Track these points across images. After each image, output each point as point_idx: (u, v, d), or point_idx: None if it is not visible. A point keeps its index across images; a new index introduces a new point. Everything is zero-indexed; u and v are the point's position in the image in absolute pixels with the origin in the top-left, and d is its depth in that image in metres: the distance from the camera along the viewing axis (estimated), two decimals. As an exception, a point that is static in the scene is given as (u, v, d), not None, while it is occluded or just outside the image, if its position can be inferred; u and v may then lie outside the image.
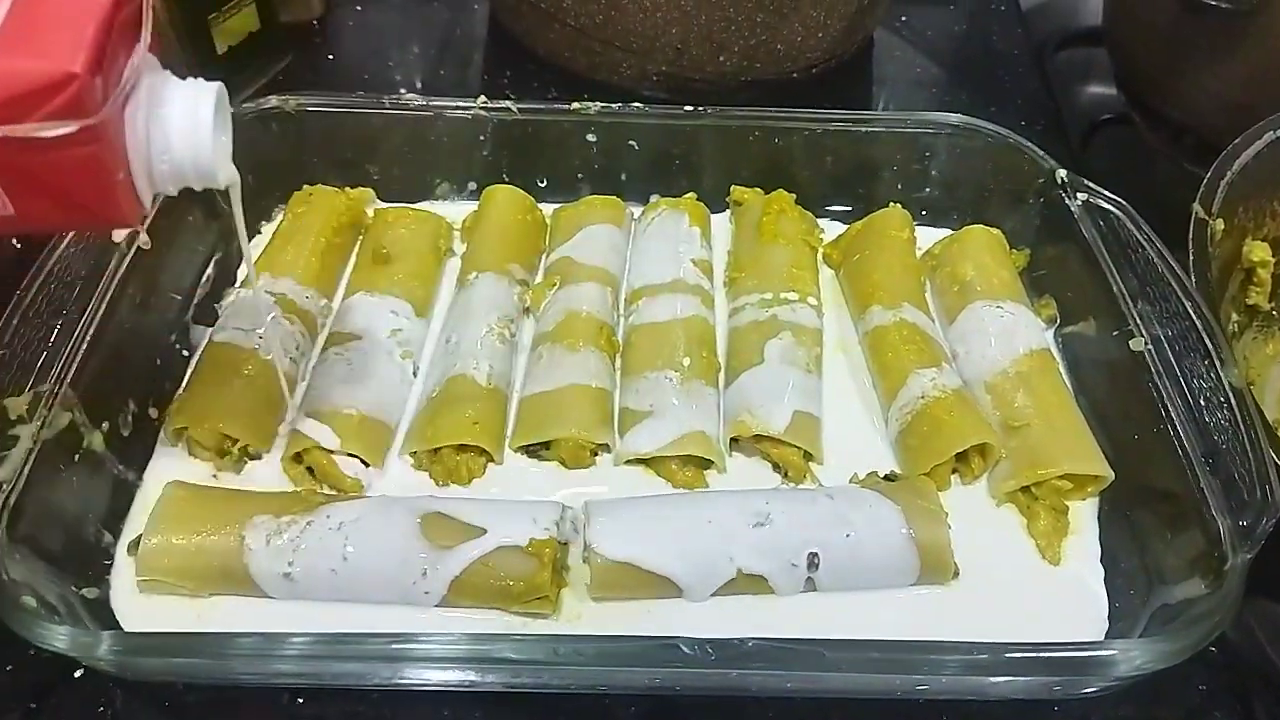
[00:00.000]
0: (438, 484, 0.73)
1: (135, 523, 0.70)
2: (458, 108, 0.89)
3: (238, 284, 0.83)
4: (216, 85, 0.52)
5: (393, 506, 0.68)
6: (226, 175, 0.54)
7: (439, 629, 0.60)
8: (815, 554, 0.67)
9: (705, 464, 0.75)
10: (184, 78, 0.52)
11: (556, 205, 0.92)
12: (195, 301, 0.84)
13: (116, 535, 0.70)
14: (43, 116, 0.44)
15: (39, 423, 0.64)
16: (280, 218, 0.89)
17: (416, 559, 0.65)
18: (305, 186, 0.89)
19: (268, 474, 0.73)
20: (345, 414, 0.73)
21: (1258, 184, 0.89)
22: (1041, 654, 0.58)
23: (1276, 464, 0.64)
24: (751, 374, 0.77)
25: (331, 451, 0.72)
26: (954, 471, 0.75)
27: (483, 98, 0.89)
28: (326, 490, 0.72)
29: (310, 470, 0.72)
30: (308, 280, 0.82)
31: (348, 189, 0.90)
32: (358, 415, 0.73)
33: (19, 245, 0.75)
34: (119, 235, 0.74)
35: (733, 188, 0.93)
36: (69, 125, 0.44)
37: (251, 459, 0.74)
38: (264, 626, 0.64)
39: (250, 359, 0.75)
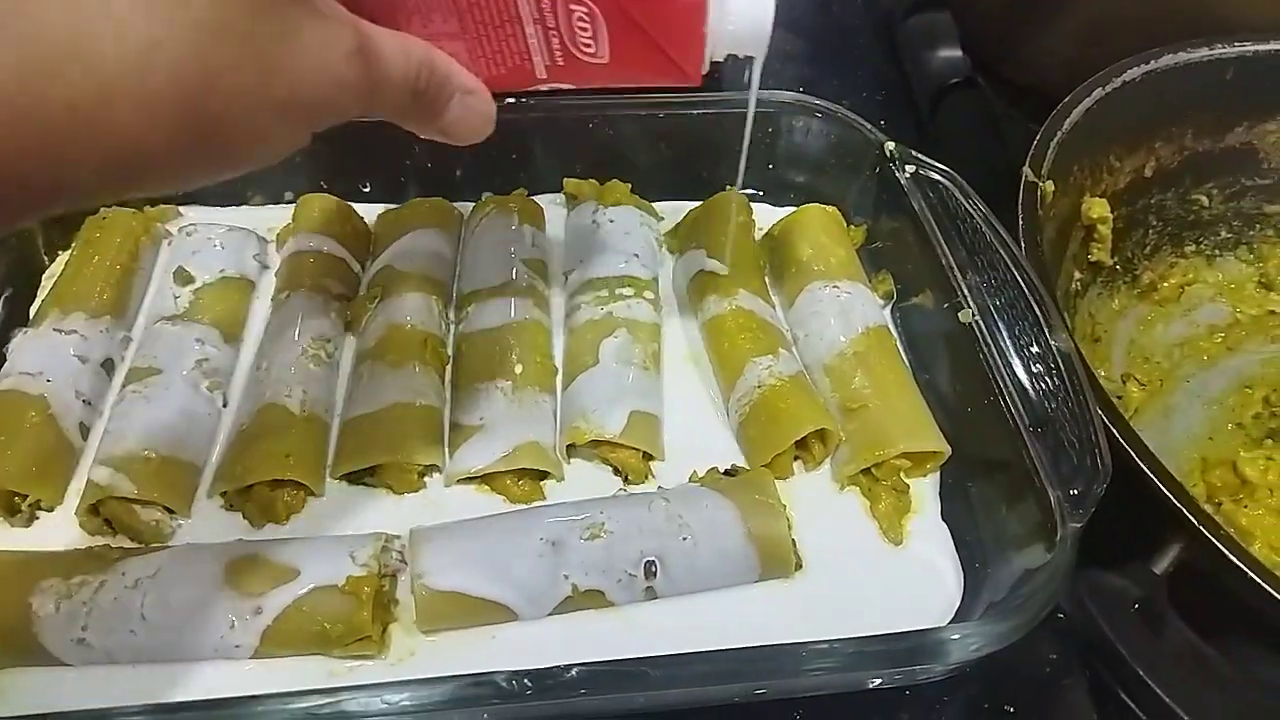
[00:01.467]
0: (253, 525, 0.68)
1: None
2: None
3: (28, 326, 0.76)
4: None
5: (196, 556, 0.63)
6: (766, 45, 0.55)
7: (249, 683, 0.56)
8: (653, 562, 0.64)
9: (543, 475, 0.71)
10: None
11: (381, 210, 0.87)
12: (-16, 346, 0.77)
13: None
14: None
15: None
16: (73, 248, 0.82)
17: (223, 610, 0.60)
18: (100, 210, 0.82)
19: (61, 528, 0.68)
20: (143, 457, 0.67)
21: (1091, 140, 0.90)
22: (872, 648, 0.56)
23: (1107, 429, 0.64)
24: (587, 376, 0.74)
25: (130, 500, 0.66)
26: (796, 459, 0.73)
27: (287, 100, 0.83)
28: (125, 544, 0.66)
29: (108, 522, 0.67)
30: (100, 312, 0.75)
31: (147, 207, 0.83)
32: (157, 458, 0.67)
33: None
34: None
35: (565, 180, 0.89)
36: None
37: (45, 511, 0.68)
38: (62, 698, 0.60)
39: (36, 406, 0.69)
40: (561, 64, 0.53)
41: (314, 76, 0.40)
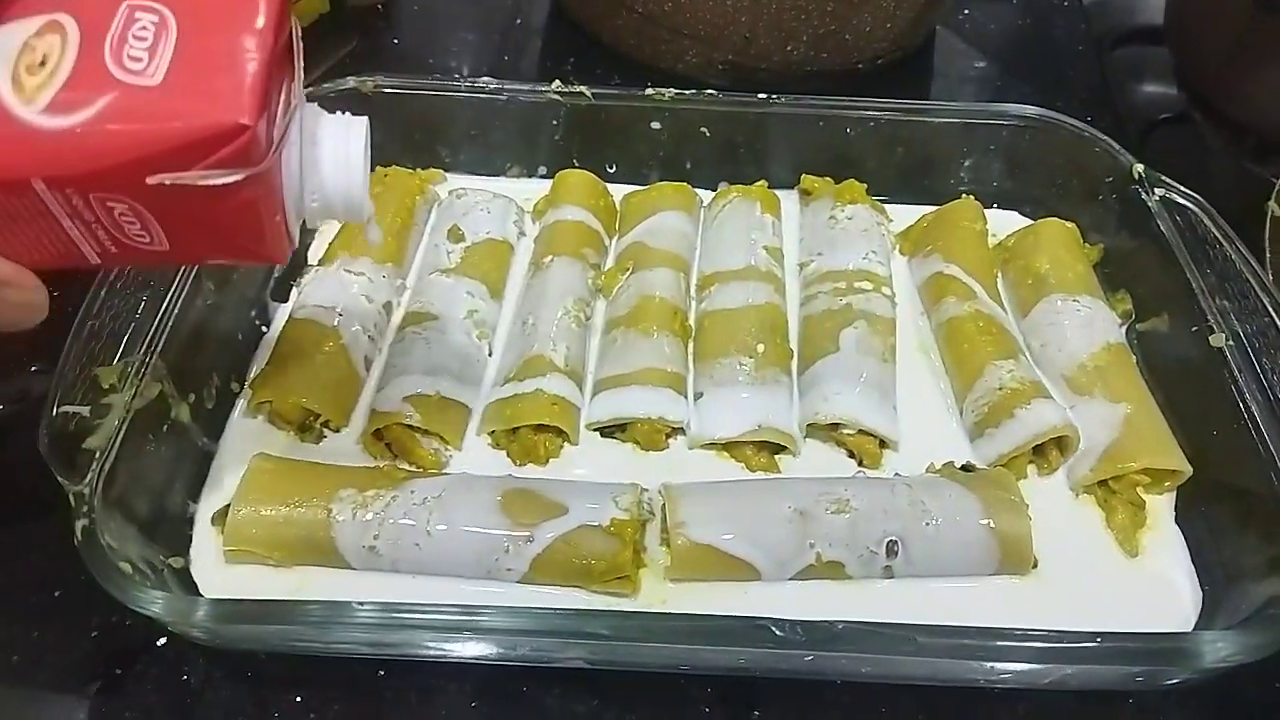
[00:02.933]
0: (515, 464, 0.74)
1: (215, 493, 0.71)
2: (532, 91, 0.89)
3: (316, 262, 0.84)
4: (364, 120, 0.52)
5: (475, 483, 0.69)
6: (369, 209, 0.54)
7: (524, 604, 0.61)
8: (895, 542, 0.67)
9: (778, 449, 0.75)
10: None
11: (626, 191, 0.92)
12: (274, 278, 0.85)
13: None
14: (208, 165, 0.43)
15: (131, 392, 0.65)
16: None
17: (499, 535, 0.66)
18: (378, 168, 0.90)
19: (344, 449, 0.74)
20: (425, 393, 0.73)
21: (1331, 182, 0.89)
22: (1126, 644, 0.58)
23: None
24: (826, 362, 0.77)
25: (413, 428, 0.72)
26: (1030, 463, 0.75)
27: (557, 82, 0.89)
28: (406, 466, 0.72)
29: (389, 447, 0.73)
30: (384, 259, 0.82)
31: (419, 170, 0.91)
32: (436, 395, 0.73)
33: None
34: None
35: (803, 176, 0.93)
36: (235, 174, 0.44)
37: (332, 431, 0.75)
38: (347, 597, 0.66)
39: (330, 336, 0.76)
40: (115, 251, 0.48)
41: None
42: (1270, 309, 0.72)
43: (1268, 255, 0.81)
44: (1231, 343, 0.73)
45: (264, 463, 0.70)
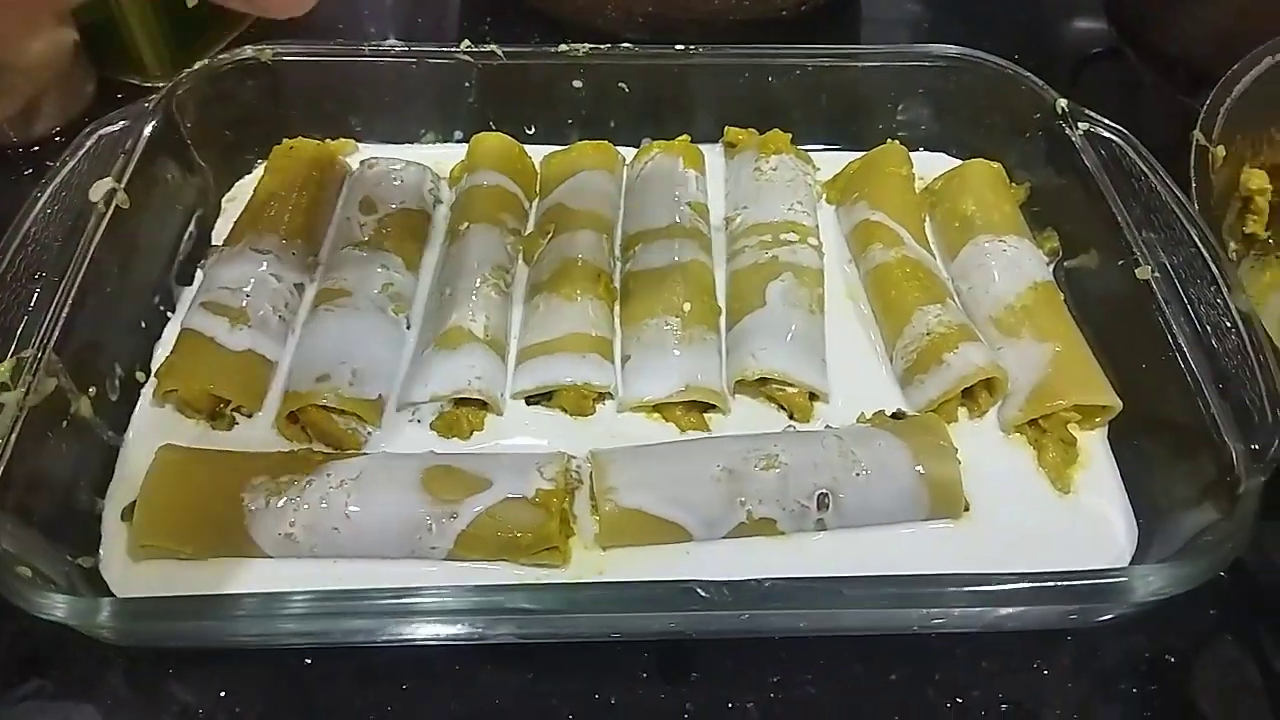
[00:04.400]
0: (438, 438, 0.72)
1: (123, 489, 0.68)
2: (441, 52, 0.86)
3: (221, 242, 0.81)
4: None
5: (394, 462, 0.67)
6: None
7: (443, 583, 0.59)
8: (826, 494, 0.66)
9: (709, 408, 0.74)
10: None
11: (547, 152, 0.89)
12: (178, 261, 0.81)
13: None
14: None
15: (24, 390, 0.62)
16: (260, 173, 0.86)
17: (422, 514, 0.64)
18: (285, 140, 0.86)
19: (258, 434, 0.72)
20: (339, 370, 0.71)
21: (1255, 111, 0.88)
22: (1059, 582, 0.57)
23: (1286, 387, 0.64)
24: (754, 317, 0.76)
25: (329, 409, 0.70)
26: (962, 407, 0.74)
27: (466, 42, 0.86)
28: (323, 449, 0.70)
29: (305, 430, 0.71)
30: (292, 236, 0.79)
31: (329, 140, 0.87)
32: (351, 372, 0.71)
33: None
34: (97, 193, 0.71)
35: (727, 129, 0.91)
36: None
37: (244, 417, 0.72)
38: (267, 587, 0.64)
39: (237, 318, 0.73)
40: None
41: None
42: (1196, 239, 0.72)
43: (1193, 185, 0.80)
44: (1158, 274, 0.72)
45: (170, 454, 0.67)
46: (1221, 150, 0.82)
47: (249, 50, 0.84)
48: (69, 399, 0.67)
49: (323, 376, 0.70)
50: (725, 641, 0.65)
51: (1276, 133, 0.93)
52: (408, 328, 0.77)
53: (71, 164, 0.73)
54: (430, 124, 0.91)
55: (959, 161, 0.89)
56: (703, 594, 0.55)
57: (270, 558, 0.65)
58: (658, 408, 0.73)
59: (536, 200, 0.87)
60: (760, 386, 0.74)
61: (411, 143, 0.91)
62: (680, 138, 0.89)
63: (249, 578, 0.64)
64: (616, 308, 0.79)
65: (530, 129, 0.91)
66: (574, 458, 0.69)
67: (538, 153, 0.90)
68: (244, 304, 0.74)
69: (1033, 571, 0.57)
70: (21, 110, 0.92)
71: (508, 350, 0.76)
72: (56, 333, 0.66)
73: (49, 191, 0.71)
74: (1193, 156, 0.82)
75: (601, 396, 0.74)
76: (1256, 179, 0.91)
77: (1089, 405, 0.71)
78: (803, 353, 0.73)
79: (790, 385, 0.73)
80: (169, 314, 0.79)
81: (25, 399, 0.62)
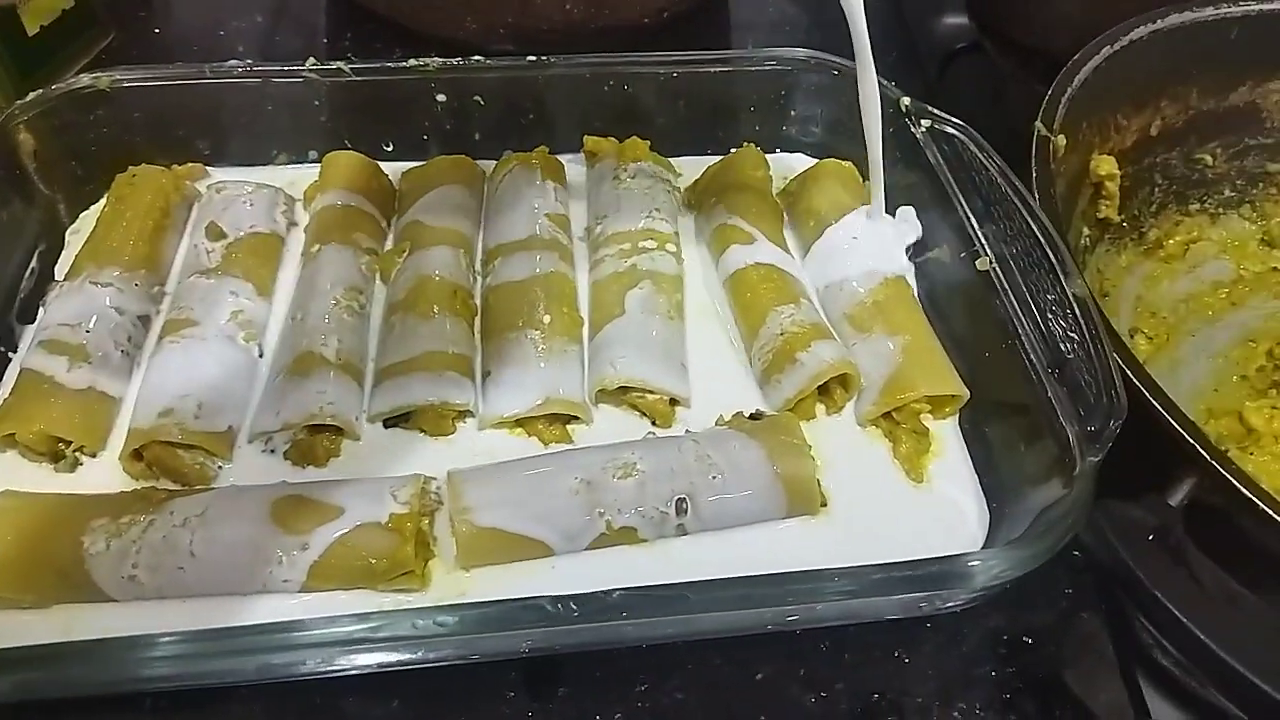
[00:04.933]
0: (293, 468, 0.70)
1: (-35, 539, 0.65)
2: (285, 72, 0.84)
3: (61, 277, 0.78)
4: None
5: (241, 495, 0.65)
6: None
7: (299, 616, 0.58)
8: (684, 499, 0.66)
9: (571, 419, 0.73)
10: None
11: (405, 168, 0.88)
12: (19, 298, 0.78)
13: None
14: None
15: None
16: (103, 204, 0.83)
17: (271, 547, 0.62)
18: (128, 168, 0.83)
19: (105, 473, 0.69)
20: (184, 403, 0.68)
21: (1099, 98, 0.92)
22: (901, 573, 0.58)
23: (1121, 368, 0.66)
24: (614, 326, 0.76)
25: (173, 444, 0.67)
26: (819, 403, 0.75)
27: (311, 59, 0.84)
28: (170, 486, 0.68)
29: (150, 467, 0.68)
30: (135, 266, 0.76)
31: (175, 166, 0.85)
32: (197, 404, 0.69)
33: None
34: None
35: (586, 138, 0.90)
36: None
37: (88, 457, 0.70)
38: (113, 632, 0.61)
39: (76, 355, 0.70)
40: None
41: None
42: (1034, 228, 0.74)
43: (1034, 175, 0.83)
44: (997, 265, 0.74)
45: (6, 501, 0.64)
46: (1063, 139, 0.85)
47: (85, 79, 0.81)
48: (-103, 448, 0.63)
49: (166, 411, 0.68)
50: (593, 653, 0.65)
51: (1123, 119, 0.97)
52: (260, 355, 0.75)
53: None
54: (283, 145, 0.89)
55: (816, 161, 0.91)
56: (549, 609, 0.55)
57: (117, 601, 0.63)
58: (520, 422, 0.73)
59: (396, 218, 0.86)
60: (622, 395, 0.74)
61: (265, 164, 0.89)
62: (538, 149, 0.88)
63: (99, 623, 0.62)
64: (478, 323, 0.78)
65: (388, 145, 0.90)
66: (433, 479, 0.68)
67: (396, 169, 0.88)
68: (84, 340, 0.71)
69: (878, 563, 0.58)
70: None
71: (364, 373, 0.75)
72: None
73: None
74: (1034, 146, 0.85)
75: (463, 414, 0.73)
76: (1105, 165, 0.95)
77: (939, 396, 0.73)
78: (661, 359, 0.74)
79: (650, 392, 0.73)
80: (10, 354, 0.75)
81: None
